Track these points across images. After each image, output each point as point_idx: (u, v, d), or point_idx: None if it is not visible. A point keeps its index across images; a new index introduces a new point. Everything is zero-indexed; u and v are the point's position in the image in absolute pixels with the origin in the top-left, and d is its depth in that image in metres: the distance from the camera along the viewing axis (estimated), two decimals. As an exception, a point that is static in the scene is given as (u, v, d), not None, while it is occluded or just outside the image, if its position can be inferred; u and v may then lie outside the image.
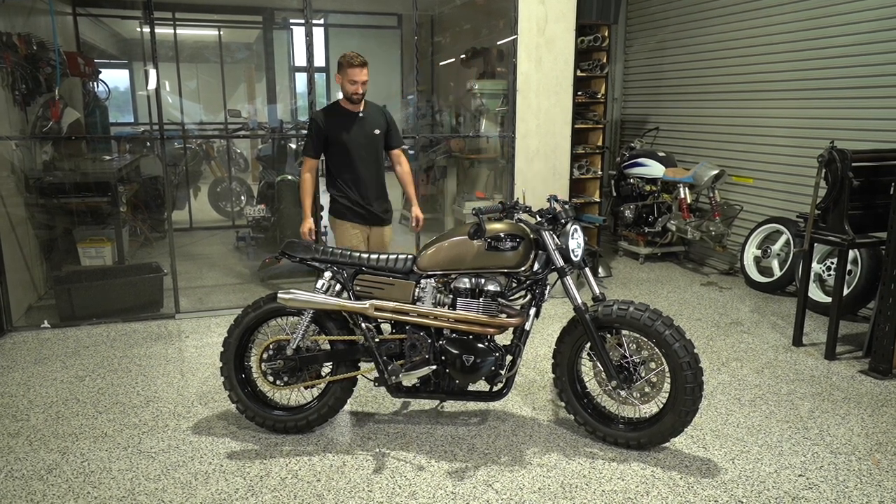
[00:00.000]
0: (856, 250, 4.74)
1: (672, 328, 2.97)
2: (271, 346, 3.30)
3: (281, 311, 3.30)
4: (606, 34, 6.72)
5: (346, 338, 3.27)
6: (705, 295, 5.79)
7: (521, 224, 3.17)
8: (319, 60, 10.76)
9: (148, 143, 7.83)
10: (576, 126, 6.08)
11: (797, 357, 4.37)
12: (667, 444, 3.22)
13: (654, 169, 6.70)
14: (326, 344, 3.33)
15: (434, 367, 3.15)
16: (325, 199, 4.56)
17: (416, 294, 3.19)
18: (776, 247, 5.78)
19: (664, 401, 3.08)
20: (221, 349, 3.35)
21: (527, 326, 3.14)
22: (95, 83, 6.96)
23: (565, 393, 3.29)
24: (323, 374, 3.36)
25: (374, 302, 3.16)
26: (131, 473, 3.02)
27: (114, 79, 9.94)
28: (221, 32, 9.23)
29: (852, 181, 4.17)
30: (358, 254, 3.28)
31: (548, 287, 3.17)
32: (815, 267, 5.17)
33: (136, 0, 7.61)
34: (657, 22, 7.52)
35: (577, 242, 3.10)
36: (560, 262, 3.07)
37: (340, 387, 3.31)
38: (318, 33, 10.51)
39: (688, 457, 3.15)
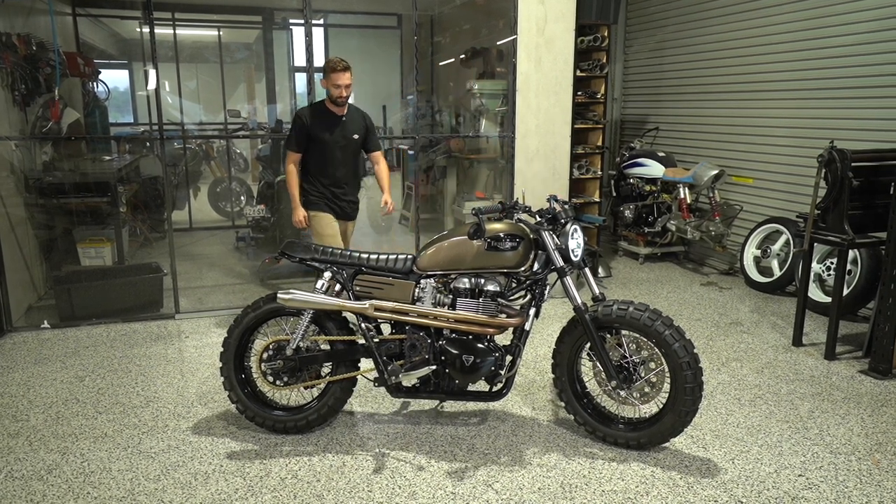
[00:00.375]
0: (856, 250, 4.74)
1: (672, 328, 2.97)
2: (271, 347, 3.30)
3: (281, 312, 3.30)
4: (606, 34, 6.72)
5: (346, 338, 3.27)
6: (705, 295, 5.79)
7: (521, 224, 3.17)
8: (319, 61, 10.76)
9: (148, 144, 7.83)
10: (575, 126, 6.08)
11: (797, 357, 4.37)
12: (667, 445, 3.22)
13: (654, 169, 6.70)
14: (326, 344, 3.33)
15: (434, 367, 3.15)
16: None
17: (416, 294, 3.19)
18: (776, 247, 5.78)
19: (664, 401, 3.08)
20: (221, 349, 3.35)
21: (526, 326, 3.14)
22: (95, 83, 6.96)
23: (565, 393, 3.29)
24: (323, 374, 3.36)
25: (373, 302, 3.16)
26: (131, 474, 3.02)
27: (113, 79, 9.94)
28: (221, 32, 9.23)
29: (852, 181, 4.17)
30: (358, 254, 3.29)
31: (547, 287, 3.17)
32: (815, 267, 5.17)
33: (135, 0, 7.61)
34: (657, 22, 7.52)
35: (576, 242, 3.10)
36: (560, 262, 3.07)
37: (340, 387, 3.31)
38: (318, 33, 10.51)
39: (688, 457, 3.15)
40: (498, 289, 3.12)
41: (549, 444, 3.27)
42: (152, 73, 5.10)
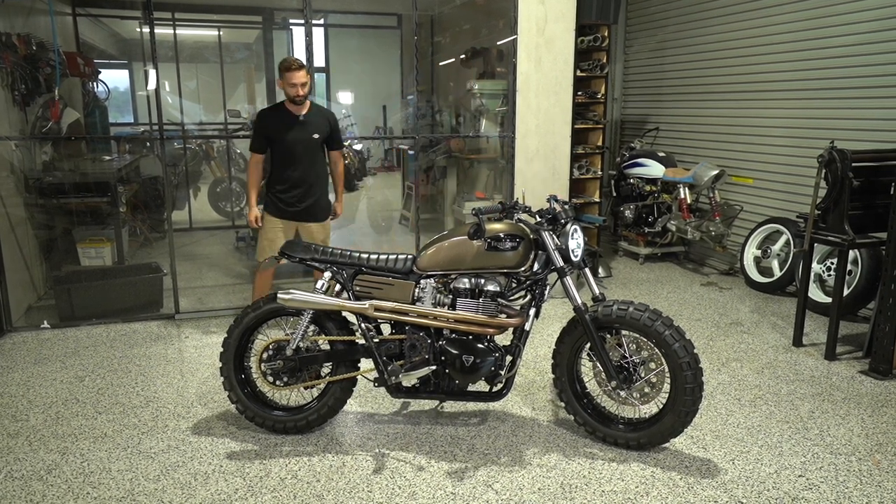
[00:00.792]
0: (856, 250, 4.74)
1: (672, 328, 2.97)
2: (271, 347, 3.30)
3: (280, 312, 3.30)
4: (606, 34, 6.71)
5: (346, 338, 3.27)
6: (705, 295, 5.79)
7: (521, 224, 3.17)
8: (319, 61, 10.76)
9: (148, 144, 7.83)
10: (576, 126, 6.07)
11: (797, 357, 4.37)
12: (667, 445, 3.22)
13: (654, 169, 6.70)
14: (326, 344, 3.33)
15: (434, 367, 3.14)
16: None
17: (416, 294, 3.19)
18: (776, 247, 5.78)
19: (664, 401, 3.08)
20: (221, 349, 3.35)
21: (526, 327, 3.14)
22: (95, 83, 6.96)
23: (565, 393, 3.29)
24: (322, 374, 3.36)
25: (373, 302, 3.16)
26: (131, 474, 3.02)
27: (113, 79, 9.94)
28: (221, 32, 9.22)
29: (852, 181, 4.17)
30: (358, 254, 3.29)
31: (547, 287, 3.17)
32: (815, 267, 5.16)
33: (135, 0, 7.61)
34: (657, 22, 7.52)
35: (576, 242, 3.09)
36: (560, 262, 3.07)
37: (340, 387, 3.30)
38: (318, 33, 10.52)
39: (688, 457, 3.14)
40: (498, 289, 3.12)
41: (549, 444, 3.27)
42: (152, 73, 5.10)
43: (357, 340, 3.27)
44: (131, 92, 9.97)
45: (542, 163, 5.53)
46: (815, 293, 5.15)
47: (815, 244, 4.55)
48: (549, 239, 3.09)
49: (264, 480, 2.97)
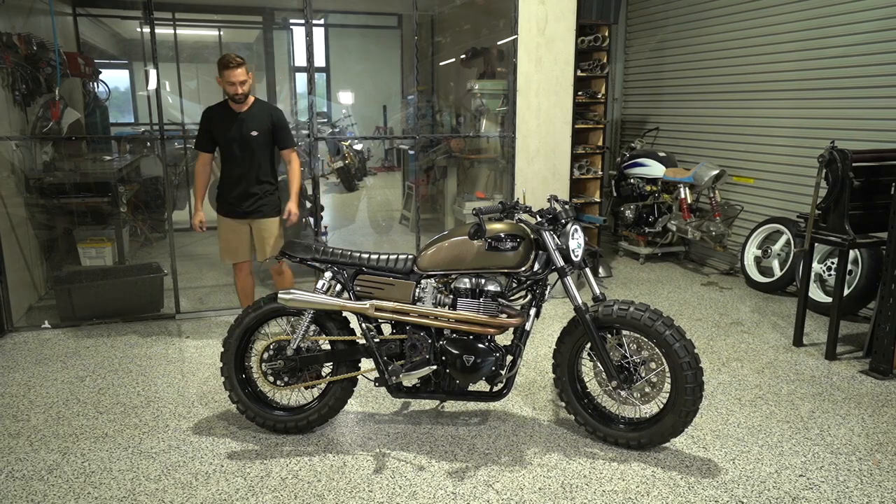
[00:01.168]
0: (856, 250, 4.74)
1: (672, 328, 2.97)
2: (272, 347, 3.30)
3: (281, 312, 3.30)
4: (606, 34, 6.71)
5: (347, 338, 3.27)
6: (706, 295, 5.79)
7: (522, 224, 3.17)
8: (319, 61, 10.77)
9: (148, 144, 7.83)
10: (576, 126, 6.07)
11: (797, 357, 4.37)
12: (667, 445, 3.22)
13: (655, 169, 6.70)
14: (327, 344, 3.33)
15: (434, 367, 3.15)
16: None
17: (417, 294, 3.19)
18: (776, 247, 5.78)
19: (664, 401, 3.08)
20: (222, 349, 3.35)
21: (527, 326, 3.14)
22: (95, 83, 6.96)
23: (566, 393, 3.29)
24: (323, 374, 3.36)
25: (374, 302, 3.16)
26: (132, 474, 3.02)
27: (114, 79, 9.94)
28: (221, 32, 9.23)
29: (853, 181, 4.17)
30: (358, 254, 3.29)
31: (548, 287, 3.17)
32: (816, 267, 5.16)
33: (136, 0, 7.61)
34: (657, 22, 7.52)
35: (577, 242, 3.10)
36: (560, 262, 3.07)
37: (341, 387, 3.31)
38: (319, 33, 10.53)
39: (688, 457, 3.15)
40: (498, 289, 3.12)
41: (550, 444, 3.27)
42: (153, 72, 5.10)
43: (358, 340, 3.27)
44: (132, 92, 9.98)
45: (542, 163, 5.53)
46: (816, 293, 5.15)
47: (816, 244, 4.55)
48: (550, 239, 3.09)
49: (265, 480, 2.97)
